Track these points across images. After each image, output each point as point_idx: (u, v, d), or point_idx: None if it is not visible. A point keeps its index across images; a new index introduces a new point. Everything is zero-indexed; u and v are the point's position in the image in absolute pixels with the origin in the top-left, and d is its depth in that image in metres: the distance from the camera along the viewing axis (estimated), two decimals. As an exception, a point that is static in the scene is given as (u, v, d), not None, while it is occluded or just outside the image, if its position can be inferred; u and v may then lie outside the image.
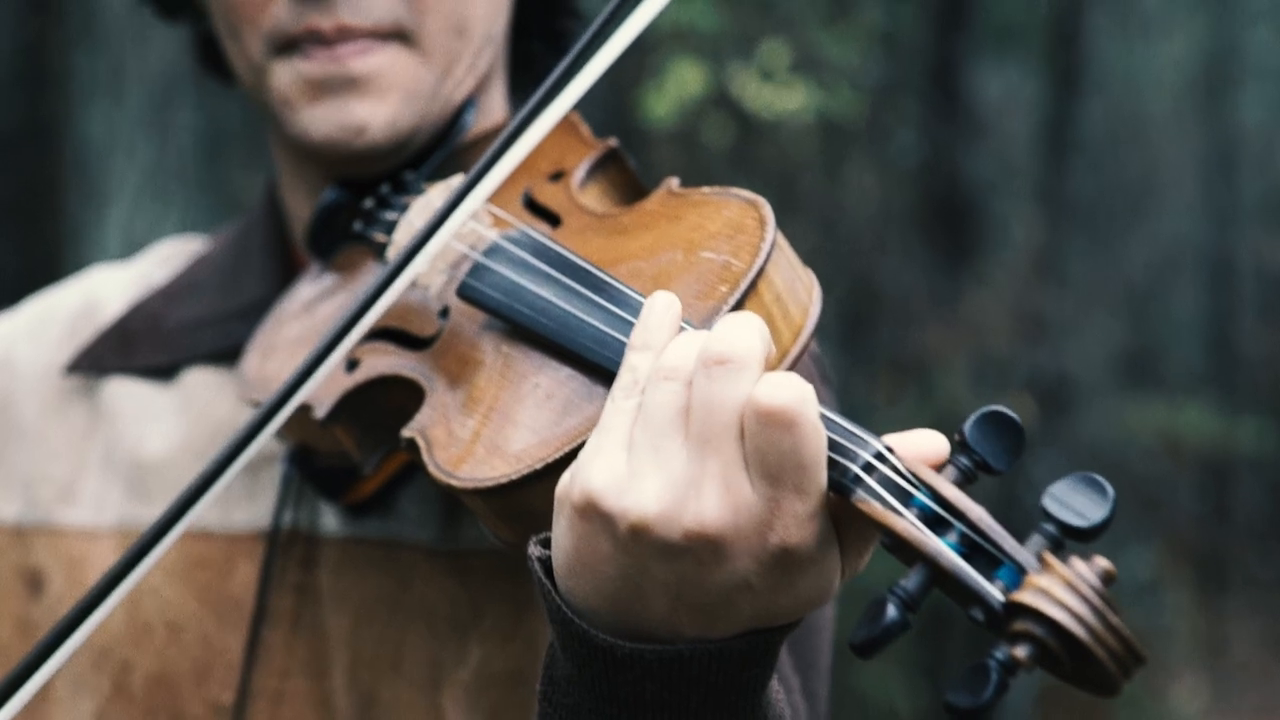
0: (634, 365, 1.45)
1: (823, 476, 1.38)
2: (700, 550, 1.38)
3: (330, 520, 1.98)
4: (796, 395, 1.36)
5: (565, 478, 1.45)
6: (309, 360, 1.65)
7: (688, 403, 1.40)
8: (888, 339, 9.21)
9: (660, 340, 1.46)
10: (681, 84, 6.71)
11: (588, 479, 1.41)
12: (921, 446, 1.41)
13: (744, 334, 1.39)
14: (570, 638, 1.44)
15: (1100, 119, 10.68)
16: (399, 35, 1.93)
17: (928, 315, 9.09)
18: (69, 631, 1.58)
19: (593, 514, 1.40)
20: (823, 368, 2.03)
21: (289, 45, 1.93)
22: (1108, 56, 10.77)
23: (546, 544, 1.50)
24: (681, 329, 1.48)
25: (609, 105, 7.11)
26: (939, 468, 1.39)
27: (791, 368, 1.52)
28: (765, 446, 1.37)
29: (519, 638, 1.93)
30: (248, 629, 1.98)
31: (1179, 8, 11.09)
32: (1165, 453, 9.91)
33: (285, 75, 1.94)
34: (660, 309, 1.47)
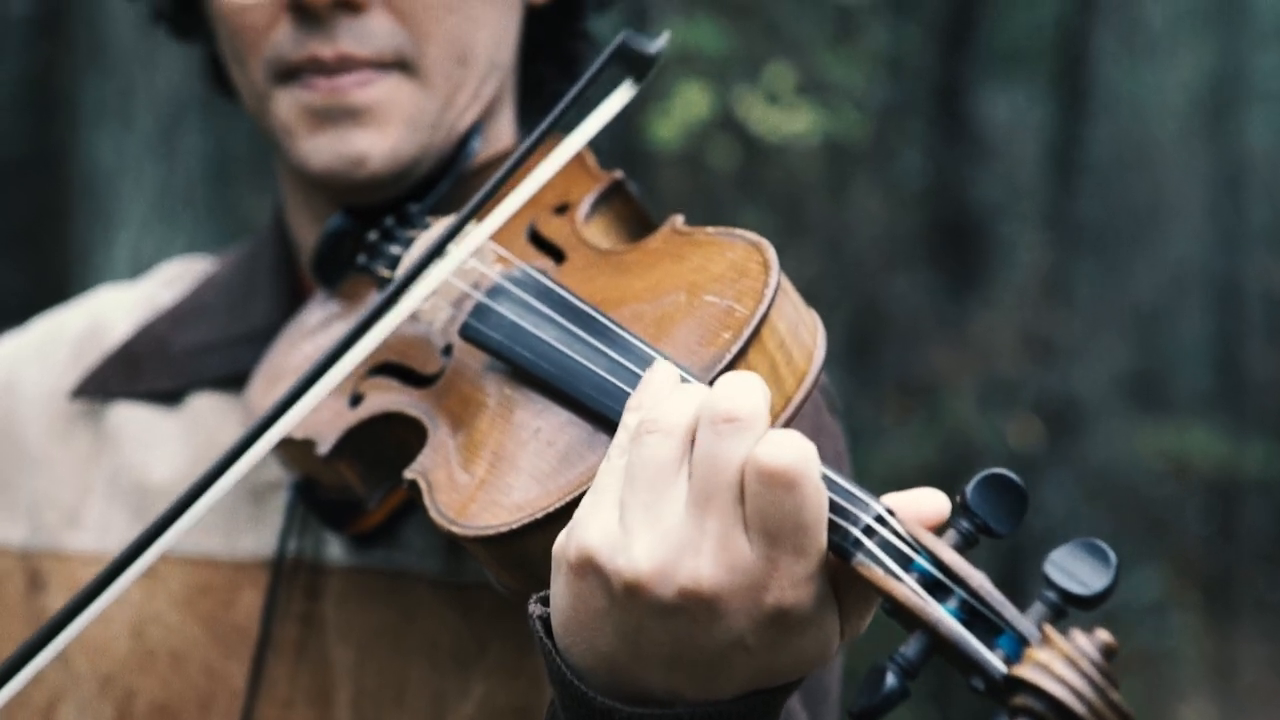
0: (629, 425, 1.45)
1: (823, 538, 1.38)
2: (695, 609, 1.38)
3: (335, 549, 1.97)
4: (799, 455, 1.36)
5: (562, 536, 1.44)
6: (289, 392, 1.64)
7: (676, 456, 1.40)
8: (894, 361, 9.19)
9: (652, 404, 1.46)
10: (687, 107, 6.72)
11: (583, 537, 1.41)
12: (922, 506, 1.40)
13: (750, 392, 1.39)
14: (570, 699, 1.44)
15: (1107, 142, 10.68)
16: (400, 64, 1.93)
17: (934, 337, 9.09)
18: (44, 643, 1.58)
19: (588, 572, 1.40)
20: (830, 398, 2.02)
21: (290, 73, 1.93)
22: (1114, 79, 10.78)
23: (544, 602, 1.49)
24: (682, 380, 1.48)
25: (614, 128, 7.11)
26: (940, 530, 1.39)
27: (795, 414, 1.52)
28: (766, 506, 1.36)
29: (524, 674, 1.92)
30: (252, 658, 1.97)
31: (1186, 30, 11.10)
32: (1172, 475, 9.90)
33: (286, 104, 1.93)
34: (660, 379, 1.48)
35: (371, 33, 1.91)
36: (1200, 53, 11.19)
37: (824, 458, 1.93)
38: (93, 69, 6.69)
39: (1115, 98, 10.76)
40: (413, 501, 1.92)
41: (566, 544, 1.43)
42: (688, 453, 1.41)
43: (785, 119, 6.97)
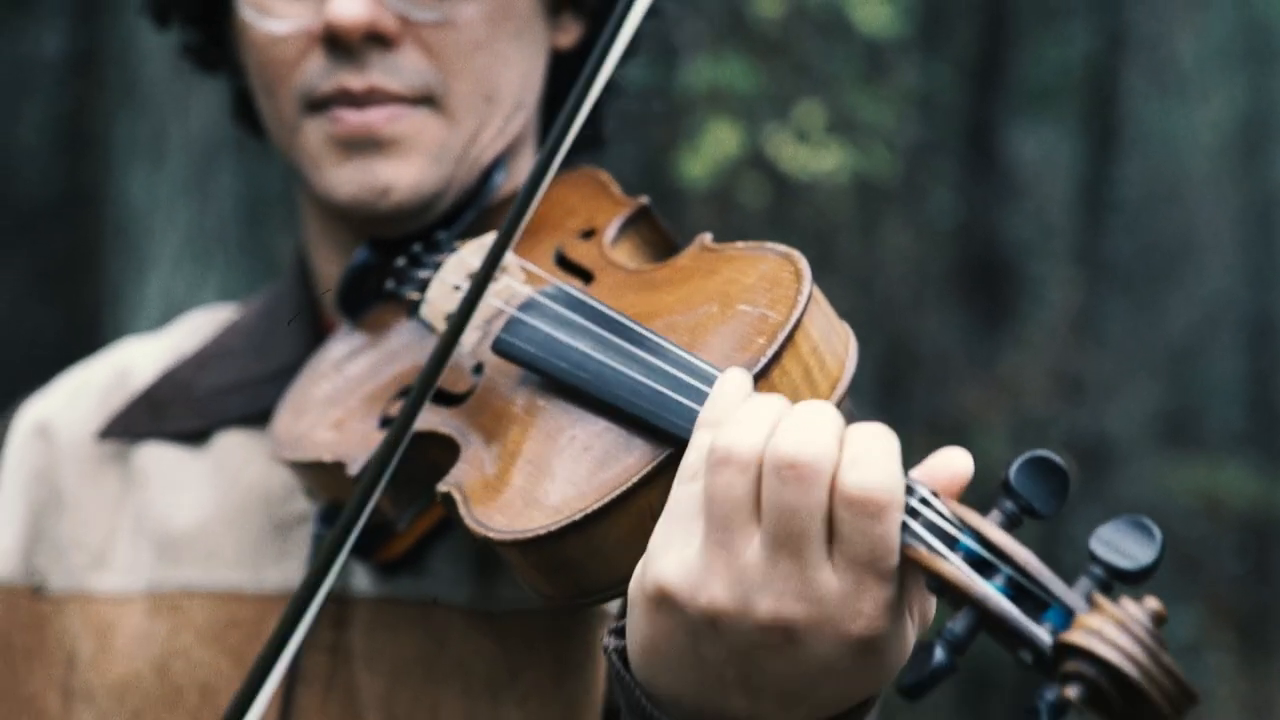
0: (700, 445, 1.43)
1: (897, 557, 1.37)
2: (779, 642, 1.37)
3: (362, 580, 1.98)
4: (887, 480, 1.35)
5: (639, 569, 1.43)
6: (384, 445, 1.64)
7: (751, 492, 1.38)
8: (925, 400, 9.18)
9: (729, 418, 1.43)
10: (717, 145, 6.73)
11: (659, 573, 1.40)
12: (951, 464, 1.41)
13: (814, 436, 1.37)
14: None
15: (1137, 179, 10.68)
16: (428, 99, 1.94)
17: (965, 376, 9.08)
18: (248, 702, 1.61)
19: (668, 608, 1.40)
20: (860, 425, 2.02)
21: (319, 104, 1.95)
22: (1145, 117, 10.78)
23: (618, 634, 1.48)
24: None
25: (644, 165, 7.12)
26: (984, 511, 1.39)
27: None
28: (854, 535, 1.35)
29: (558, 700, 1.92)
30: (281, 690, 1.97)
31: (1216, 69, 11.09)
32: (1205, 513, 9.85)
33: (315, 134, 1.95)
34: (730, 386, 1.45)
35: (402, 68, 1.93)
36: (1230, 90, 11.18)
37: None
38: (125, 109, 6.73)
39: (1145, 135, 10.76)
40: (439, 530, 1.92)
41: (643, 577, 1.42)
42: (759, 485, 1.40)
43: (815, 157, 6.98)
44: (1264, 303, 11.10)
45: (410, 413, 1.65)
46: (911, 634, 1.42)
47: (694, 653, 1.40)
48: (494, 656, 1.93)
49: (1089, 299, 10.20)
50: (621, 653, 1.47)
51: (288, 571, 2.00)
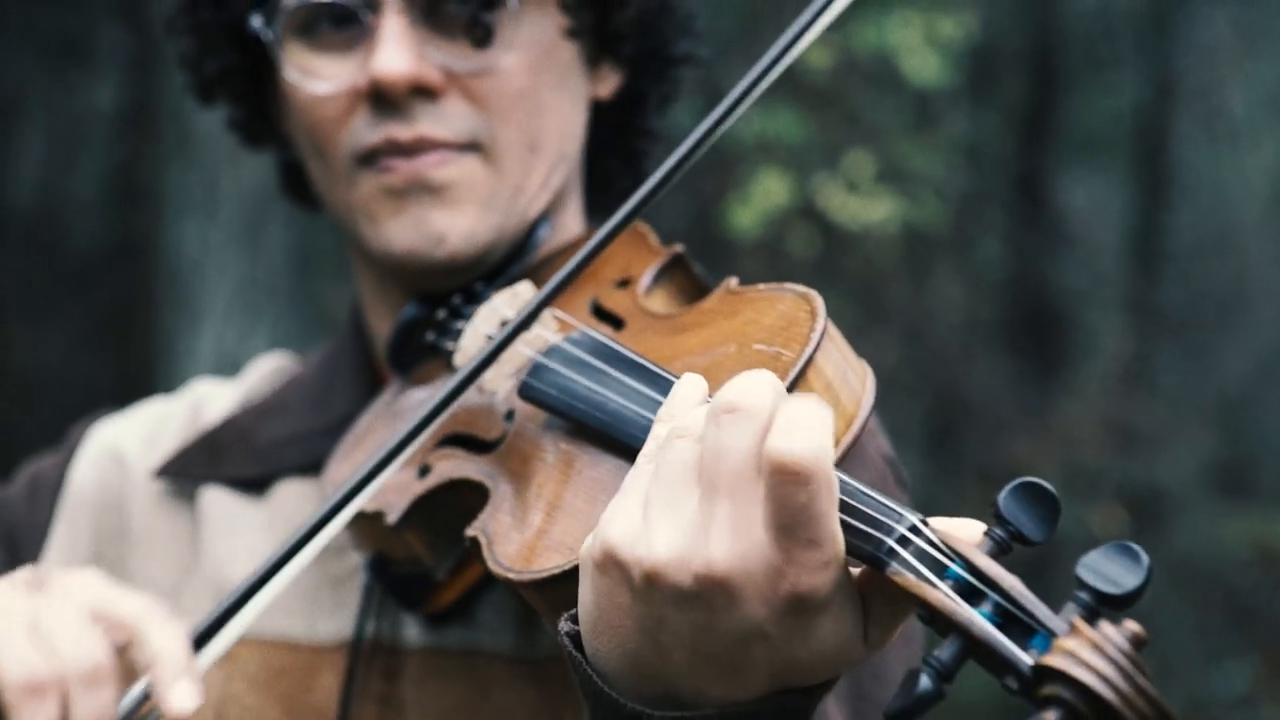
0: (659, 434, 1.49)
1: (836, 525, 1.39)
2: (711, 595, 1.39)
3: (412, 631, 1.99)
4: (809, 447, 1.37)
5: (589, 538, 1.48)
6: (373, 463, 1.67)
7: (697, 455, 1.42)
8: (975, 449, 9.15)
9: (682, 414, 1.49)
10: (767, 195, 6.74)
11: (606, 533, 1.44)
12: (958, 530, 1.42)
13: (753, 385, 1.41)
14: (601, 708, 1.47)
15: (1189, 228, 10.63)
16: (475, 147, 1.99)
17: (1016, 425, 9.04)
18: None
19: (610, 566, 1.44)
20: (898, 471, 2.03)
21: (369, 157, 1.99)
22: (1195, 165, 10.74)
23: (573, 619, 1.52)
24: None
25: (694, 215, 7.14)
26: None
27: (844, 456, 1.54)
28: (779, 499, 1.38)
29: None
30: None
31: (1267, 116, 11.05)
32: (1260, 564, 9.78)
33: (367, 187, 1.99)
34: (686, 388, 1.52)
35: (448, 116, 1.97)
36: (1282, 138, 11.13)
37: None
38: (178, 161, 6.78)
39: (1196, 183, 10.72)
40: (486, 580, 1.94)
41: (592, 544, 1.46)
42: None
43: (865, 207, 6.99)
44: (1318, 351, 11.02)
45: (396, 446, 1.67)
46: (857, 625, 1.43)
47: (635, 616, 1.43)
48: (536, 704, 1.95)
49: (1141, 348, 10.16)
50: (573, 636, 1.51)
51: (340, 622, 2.01)
